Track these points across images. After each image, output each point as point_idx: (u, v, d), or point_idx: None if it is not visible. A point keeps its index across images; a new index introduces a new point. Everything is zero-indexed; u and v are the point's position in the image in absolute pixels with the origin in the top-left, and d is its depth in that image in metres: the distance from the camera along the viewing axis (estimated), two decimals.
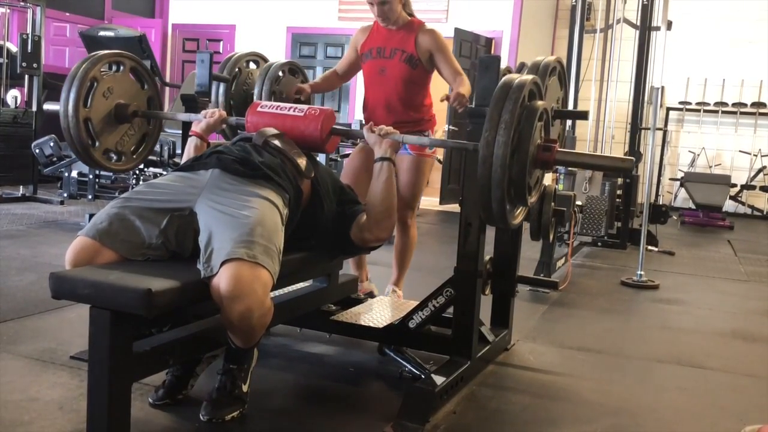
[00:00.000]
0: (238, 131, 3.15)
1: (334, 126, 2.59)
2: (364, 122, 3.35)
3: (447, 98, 3.00)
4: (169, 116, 3.08)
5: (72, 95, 2.66)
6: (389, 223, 2.46)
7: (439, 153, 8.45)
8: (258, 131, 2.45)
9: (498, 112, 2.12)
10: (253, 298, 1.92)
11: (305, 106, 2.62)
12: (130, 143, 2.93)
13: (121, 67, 2.83)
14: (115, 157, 2.90)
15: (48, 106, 2.89)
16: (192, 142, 2.61)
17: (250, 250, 1.94)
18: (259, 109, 2.63)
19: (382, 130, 2.49)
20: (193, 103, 3.03)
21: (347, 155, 6.26)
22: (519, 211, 2.38)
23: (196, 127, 2.64)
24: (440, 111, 9.46)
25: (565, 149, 2.46)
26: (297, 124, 2.54)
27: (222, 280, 1.90)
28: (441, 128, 8.61)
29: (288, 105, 2.64)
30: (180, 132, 3.02)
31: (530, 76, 2.26)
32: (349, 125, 5.85)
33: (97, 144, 2.78)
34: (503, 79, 2.23)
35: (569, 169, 5.66)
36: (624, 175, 6.18)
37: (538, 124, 2.23)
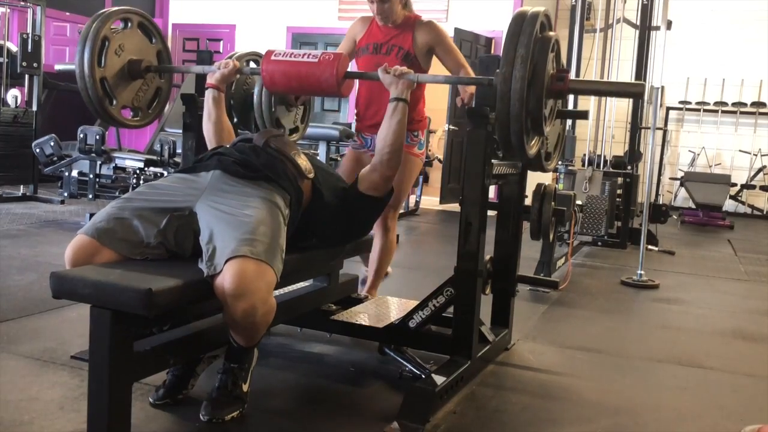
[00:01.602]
0: (239, 131, 3.16)
1: (348, 70, 2.62)
2: (356, 120, 3.34)
3: (462, 101, 3.01)
4: (183, 69, 3.10)
5: (86, 55, 2.68)
6: (396, 161, 2.50)
7: (440, 152, 8.46)
8: (258, 132, 2.46)
9: (513, 47, 2.17)
10: (258, 295, 1.92)
11: (318, 52, 2.62)
12: (145, 98, 2.97)
13: (129, 24, 2.85)
14: (131, 113, 2.94)
15: (60, 66, 2.90)
16: (210, 94, 2.66)
17: (253, 248, 1.94)
18: (273, 57, 2.63)
19: (397, 71, 2.51)
20: (193, 102, 3.03)
21: None
22: (534, 140, 2.42)
23: (211, 79, 2.68)
24: (440, 110, 9.45)
25: (577, 78, 2.50)
26: (312, 70, 2.56)
27: (226, 278, 1.90)
28: (441, 128, 8.61)
29: (302, 52, 2.65)
30: (180, 131, 3.02)
31: (541, 8, 2.29)
32: (349, 125, 5.84)
33: (114, 102, 2.81)
34: (515, 12, 2.28)
35: (569, 168, 5.67)
36: (624, 171, 6.18)
37: (550, 56, 2.26)
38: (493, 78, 2.31)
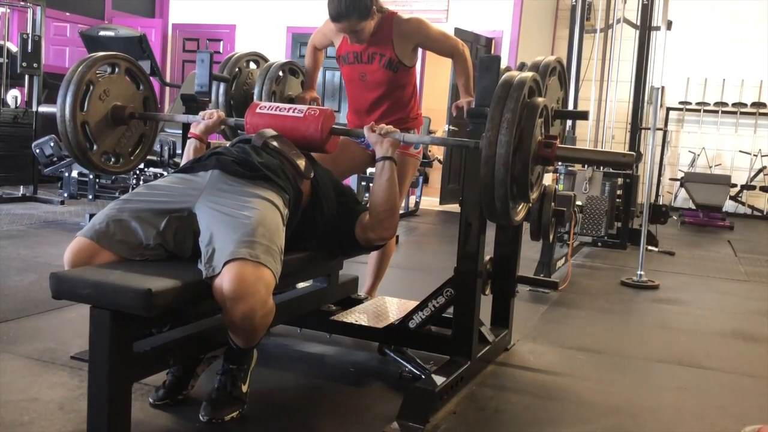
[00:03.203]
0: (238, 132, 3.16)
1: (334, 126, 2.59)
2: (347, 124, 3.30)
3: (459, 108, 2.94)
4: (166, 118, 3.07)
5: (69, 99, 2.65)
6: (392, 222, 2.47)
7: (439, 153, 8.46)
8: (257, 132, 2.46)
9: (500, 111, 2.13)
10: (256, 298, 1.92)
11: (304, 107, 2.62)
12: (127, 145, 2.93)
13: (117, 69, 2.82)
14: (113, 160, 2.89)
15: (43, 109, 2.88)
16: (191, 144, 2.62)
17: (252, 250, 1.94)
18: (258, 110, 2.63)
19: (383, 130, 2.49)
20: (193, 103, 3.02)
21: None
22: (521, 207, 2.39)
23: (194, 129, 2.64)
24: (440, 111, 9.43)
25: (565, 145, 2.47)
26: (297, 125, 2.54)
27: (225, 281, 1.90)
28: (441, 128, 8.61)
29: (287, 106, 2.63)
30: (180, 132, 3.02)
31: (530, 74, 2.26)
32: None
33: (95, 147, 2.78)
34: (503, 77, 2.24)
35: (569, 168, 5.66)
36: (624, 172, 6.18)
37: (538, 121, 2.24)
38: (478, 141, 2.28)
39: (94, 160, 2.79)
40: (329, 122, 2.56)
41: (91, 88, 2.71)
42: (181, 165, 2.52)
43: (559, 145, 2.33)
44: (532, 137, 2.18)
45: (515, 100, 2.13)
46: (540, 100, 2.26)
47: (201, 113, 2.70)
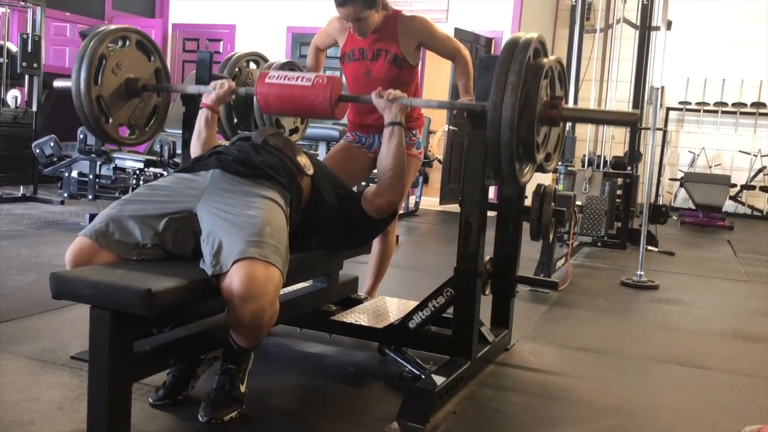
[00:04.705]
0: (239, 131, 3.16)
1: (342, 93, 2.62)
2: (348, 125, 3.29)
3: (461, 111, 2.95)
4: (178, 89, 3.09)
5: (83, 74, 2.68)
6: (400, 186, 2.50)
7: (440, 153, 8.46)
8: (257, 130, 2.47)
9: (504, 73, 2.14)
10: (266, 298, 1.92)
11: (312, 75, 2.63)
12: (142, 117, 2.97)
13: (127, 42, 2.86)
14: (128, 131, 2.94)
15: (58, 83, 2.91)
16: (203, 114, 2.64)
17: (261, 250, 1.94)
18: (267, 80, 2.64)
19: (390, 95, 2.50)
20: (193, 102, 3.02)
21: None
22: (528, 168, 2.40)
23: (206, 99, 2.66)
24: (440, 111, 9.42)
25: (571, 106, 2.49)
26: (306, 93, 2.57)
27: (235, 280, 1.89)
28: (441, 128, 8.61)
29: (295, 74, 2.65)
30: (180, 132, 3.02)
31: (535, 34, 2.27)
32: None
33: (110, 120, 2.81)
34: (508, 39, 2.26)
35: (569, 169, 5.67)
36: (624, 171, 6.19)
37: (543, 82, 2.24)
38: (485, 104, 2.29)
39: (110, 133, 2.83)
40: (337, 90, 2.59)
41: (104, 62, 2.74)
42: (194, 132, 2.60)
43: (565, 106, 2.34)
44: (537, 99, 2.19)
45: (519, 62, 2.14)
46: (545, 60, 2.27)
47: (212, 83, 2.71)
